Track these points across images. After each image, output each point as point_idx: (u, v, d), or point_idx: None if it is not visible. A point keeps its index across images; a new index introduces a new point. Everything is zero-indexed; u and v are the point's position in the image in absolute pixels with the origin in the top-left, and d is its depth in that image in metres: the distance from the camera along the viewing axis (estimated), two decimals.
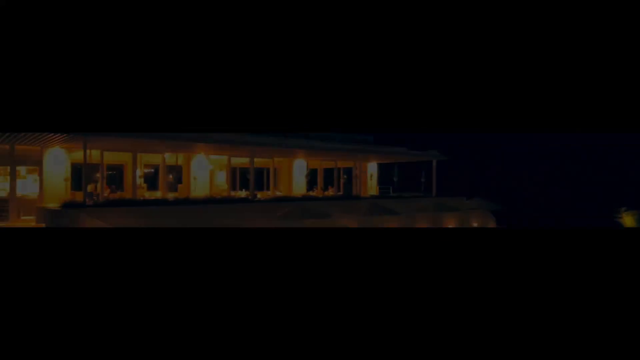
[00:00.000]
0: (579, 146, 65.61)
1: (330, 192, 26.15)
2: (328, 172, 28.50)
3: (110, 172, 21.60)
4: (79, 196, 16.59)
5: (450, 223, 23.83)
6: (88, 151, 15.06)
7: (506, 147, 68.68)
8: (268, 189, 25.43)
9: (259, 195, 20.89)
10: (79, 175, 18.75)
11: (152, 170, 23.45)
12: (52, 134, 6.86)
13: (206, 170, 21.59)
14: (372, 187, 28.73)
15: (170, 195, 18.84)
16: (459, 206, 23.34)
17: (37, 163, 17.69)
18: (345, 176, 28.40)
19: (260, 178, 26.42)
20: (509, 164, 65.86)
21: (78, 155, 17.96)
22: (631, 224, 25.09)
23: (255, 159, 20.43)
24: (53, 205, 14.99)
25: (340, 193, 26.09)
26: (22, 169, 18.76)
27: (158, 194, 20.09)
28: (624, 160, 60.79)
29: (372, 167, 29.25)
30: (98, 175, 18.25)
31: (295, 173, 24.71)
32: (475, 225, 24.42)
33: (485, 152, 69.09)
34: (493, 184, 56.07)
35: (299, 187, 24.43)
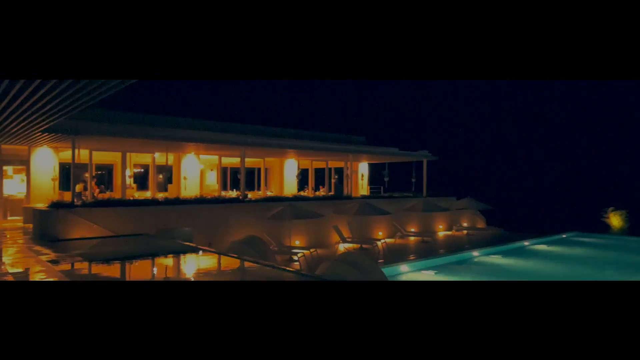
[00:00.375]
0: (568, 145, 66.34)
1: (322, 192, 26.16)
2: (319, 172, 28.53)
3: (99, 172, 21.39)
4: (67, 196, 16.41)
5: (441, 223, 23.96)
6: (76, 150, 14.89)
7: (497, 147, 69.22)
8: (259, 189, 25.37)
9: (250, 195, 20.82)
10: (68, 175, 18.55)
11: (142, 170, 23.27)
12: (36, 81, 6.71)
13: (197, 170, 21.48)
14: (363, 187, 28.80)
15: (160, 196, 18.71)
16: (449, 206, 23.46)
17: (24, 163, 17.46)
18: (336, 176, 28.43)
19: (252, 178, 26.35)
20: (499, 164, 66.40)
21: (66, 155, 17.77)
22: (617, 224, 25.43)
23: (247, 159, 20.36)
24: (40, 205, 14.81)
25: (332, 193, 26.10)
26: (9, 169, 18.51)
27: (148, 194, 19.95)
28: (612, 160, 61.64)
29: (363, 167, 29.33)
30: (87, 175, 18.07)
31: (286, 173, 24.70)
32: (465, 224, 24.56)
33: (476, 152, 69.56)
34: (483, 183, 56.46)
35: (290, 187, 24.40)
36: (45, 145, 16.64)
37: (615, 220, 25.70)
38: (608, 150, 63.28)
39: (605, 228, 25.70)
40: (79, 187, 16.30)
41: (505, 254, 17.59)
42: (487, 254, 17.28)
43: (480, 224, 25.62)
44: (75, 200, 14.52)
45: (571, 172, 63.60)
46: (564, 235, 23.34)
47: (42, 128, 11.41)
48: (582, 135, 66.03)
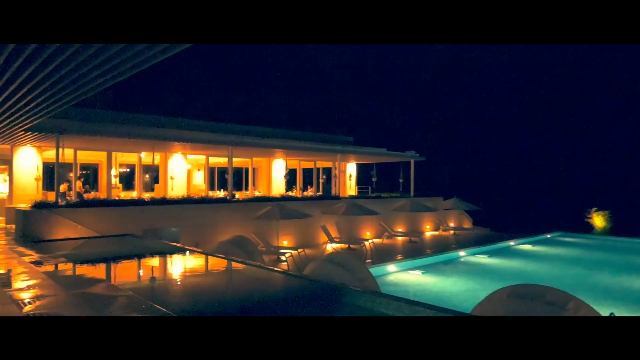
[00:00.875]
0: (553, 148, 67.35)
1: (310, 192, 26.16)
2: (307, 172, 28.52)
3: (84, 172, 21.10)
4: (51, 196, 16.15)
5: (428, 223, 24.13)
6: (61, 150, 14.66)
7: (483, 148, 69.96)
8: (247, 189, 25.27)
9: (238, 195, 20.73)
10: (51, 174, 18.26)
11: (128, 169, 23.02)
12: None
13: (184, 170, 21.31)
14: (351, 187, 28.86)
15: (147, 196, 18.52)
16: (437, 206, 23.65)
17: (6, 162, 17.15)
18: (324, 176, 28.46)
19: (239, 178, 26.23)
20: (485, 164, 67.11)
21: (50, 155, 17.49)
22: (600, 224, 25.91)
23: (234, 159, 20.26)
24: (23, 205, 14.55)
25: (320, 193, 26.12)
26: None
27: (134, 194, 19.74)
28: (596, 162, 62.74)
29: (351, 168, 29.40)
30: (71, 174, 17.80)
31: (274, 173, 24.64)
32: (452, 225, 24.77)
33: (463, 152, 70.24)
34: (470, 184, 57.03)
35: (278, 187, 24.36)
36: (28, 145, 16.36)
37: (598, 220, 26.18)
38: (591, 151, 64.41)
39: (589, 228, 26.17)
40: (63, 187, 16.06)
41: (491, 253, 17.78)
42: (474, 254, 17.46)
43: (467, 224, 25.87)
44: (59, 200, 14.29)
45: (555, 173, 64.56)
46: (548, 235, 23.68)
47: (25, 127, 11.22)
48: (566, 137, 67.09)
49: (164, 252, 10.83)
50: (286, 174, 24.07)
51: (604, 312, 4.92)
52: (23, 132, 12.63)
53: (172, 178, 20.32)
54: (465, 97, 75.05)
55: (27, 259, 8.84)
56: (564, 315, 4.66)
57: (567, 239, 23.03)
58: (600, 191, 50.51)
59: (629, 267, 15.36)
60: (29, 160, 16.91)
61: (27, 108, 8.61)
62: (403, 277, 13.26)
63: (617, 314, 5.17)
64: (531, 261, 16.59)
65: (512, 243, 20.47)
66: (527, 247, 20.26)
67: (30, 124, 10.71)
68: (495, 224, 26.00)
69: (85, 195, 16.59)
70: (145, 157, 19.90)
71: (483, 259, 16.69)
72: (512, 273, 14.17)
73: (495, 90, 73.37)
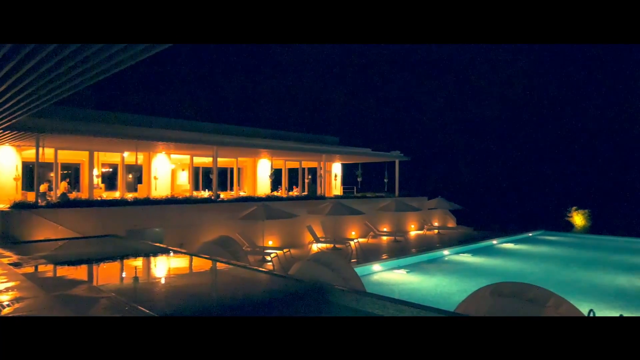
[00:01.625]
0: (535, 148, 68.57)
1: (295, 192, 26.13)
2: (293, 172, 28.49)
3: (65, 172, 20.73)
4: (31, 197, 15.83)
5: (412, 222, 24.32)
6: (41, 149, 14.38)
7: (466, 148, 70.86)
8: (232, 189, 25.12)
9: (222, 195, 20.59)
10: (31, 174, 17.91)
11: (110, 169, 22.69)
12: None
13: (168, 170, 21.09)
14: (336, 187, 28.92)
15: (130, 196, 18.27)
16: (421, 206, 23.85)
17: None
18: (309, 176, 28.46)
19: (224, 178, 26.06)
20: (468, 164, 67.96)
21: (30, 154, 17.14)
22: (580, 223, 26.48)
23: (219, 159, 20.11)
24: (2, 206, 14.22)
25: (305, 193, 26.10)
26: None
27: (116, 194, 19.46)
28: (576, 161, 64.04)
29: (336, 168, 29.45)
30: (52, 174, 17.47)
31: (259, 173, 24.55)
32: (436, 224, 25.01)
33: (447, 152, 71.04)
34: (454, 184, 57.69)
35: (263, 187, 24.27)
36: (7, 144, 16.00)
37: (578, 219, 26.76)
38: (572, 151, 65.75)
39: (569, 226, 26.71)
40: (43, 187, 15.75)
41: (474, 252, 18.01)
42: (457, 253, 17.66)
43: (451, 223, 26.13)
44: (39, 200, 14.01)
45: (537, 173, 65.72)
46: (530, 234, 24.08)
47: (3, 126, 10.97)
48: (547, 137, 68.33)
49: (147, 253, 10.70)
50: (271, 174, 24.00)
51: (584, 309, 5.02)
52: (1, 131, 12.35)
53: (155, 178, 20.09)
54: (448, 97, 75.90)
55: (5, 260, 8.64)
56: (545, 311, 4.75)
57: (548, 238, 23.45)
58: (580, 190, 51.56)
59: (608, 265, 15.71)
60: (7, 159, 16.54)
61: (5, 107, 8.42)
62: (388, 276, 13.34)
63: (597, 310, 5.28)
64: (513, 259, 16.85)
65: (494, 242, 20.75)
66: (509, 245, 20.57)
67: (9, 123, 10.47)
68: (478, 223, 26.34)
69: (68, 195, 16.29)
70: (128, 156, 19.64)
71: (466, 258, 16.89)
72: (495, 271, 14.37)
73: (478, 90, 74.37)
